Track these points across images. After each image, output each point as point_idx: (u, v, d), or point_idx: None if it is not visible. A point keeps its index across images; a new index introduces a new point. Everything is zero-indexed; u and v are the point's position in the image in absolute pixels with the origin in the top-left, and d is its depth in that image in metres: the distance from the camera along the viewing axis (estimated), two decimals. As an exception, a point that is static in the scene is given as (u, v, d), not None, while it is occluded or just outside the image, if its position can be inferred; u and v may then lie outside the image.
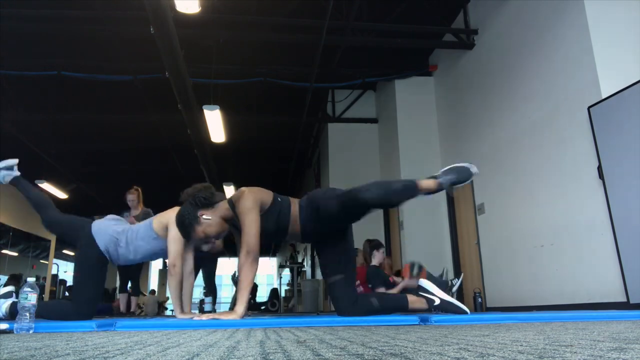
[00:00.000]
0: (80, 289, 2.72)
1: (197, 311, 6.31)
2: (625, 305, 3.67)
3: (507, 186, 5.61)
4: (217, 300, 6.33)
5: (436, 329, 1.63)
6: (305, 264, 11.38)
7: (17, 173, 3.03)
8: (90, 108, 8.82)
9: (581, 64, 4.36)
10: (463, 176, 2.42)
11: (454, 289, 3.79)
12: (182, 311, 2.93)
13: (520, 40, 5.42)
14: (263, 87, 7.99)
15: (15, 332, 1.76)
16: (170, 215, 2.76)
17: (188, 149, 8.71)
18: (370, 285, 4.25)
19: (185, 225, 2.45)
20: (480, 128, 6.28)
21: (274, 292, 12.25)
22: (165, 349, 1.03)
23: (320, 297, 9.60)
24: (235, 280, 7.28)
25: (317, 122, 10.17)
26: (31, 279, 1.97)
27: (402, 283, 4.26)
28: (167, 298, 11.39)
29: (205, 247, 2.68)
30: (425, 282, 2.59)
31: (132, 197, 5.41)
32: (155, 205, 5.32)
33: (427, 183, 2.40)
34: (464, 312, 2.46)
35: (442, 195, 7.31)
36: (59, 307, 2.82)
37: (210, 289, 5.95)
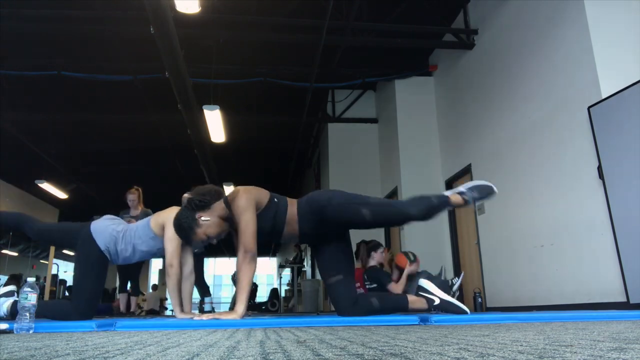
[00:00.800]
0: (80, 289, 2.72)
1: (197, 311, 6.32)
2: (625, 305, 3.67)
3: (507, 186, 5.61)
4: (217, 301, 6.34)
5: (436, 329, 1.63)
6: (305, 264, 11.38)
7: None
8: (90, 108, 8.82)
9: (581, 64, 4.36)
10: (485, 194, 2.54)
11: (455, 287, 3.80)
12: (182, 311, 2.93)
13: (520, 40, 5.42)
14: (263, 87, 7.99)
15: (15, 332, 1.76)
16: (167, 215, 2.75)
17: (188, 149, 8.71)
18: (375, 285, 4.24)
19: (185, 229, 2.46)
20: (480, 128, 6.28)
21: (274, 292, 12.25)
22: (165, 349, 1.03)
23: (320, 297, 9.59)
24: (235, 280, 7.29)
25: (317, 122, 10.17)
26: (31, 279, 1.97)
27: (406, 271, 4.26)
28: (167, 298, 11.43)
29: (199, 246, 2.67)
30: (425, 282, 2.59)
31: (132, 197, 5.41)
32: (155, 206, 5.31)
33: (456, 198, 2.50)
34: (464, 312, 2.46)
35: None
36: (59, 306, 2.82)
37: (202, 289, 5.95)
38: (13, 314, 2.61)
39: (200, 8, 5.21)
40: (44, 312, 2.62)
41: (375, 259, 4.47)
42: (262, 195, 2.45)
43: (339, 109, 9.28)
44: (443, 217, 7.23)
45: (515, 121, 5.45)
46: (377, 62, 7.87)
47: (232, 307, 3.19)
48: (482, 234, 6.15)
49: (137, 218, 4.96)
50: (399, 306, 2.53)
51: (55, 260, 14.04)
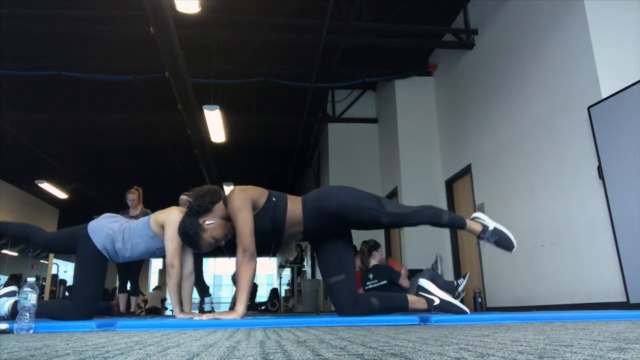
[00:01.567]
0: (80, 288, 2.72)
1: (197, 311, 6.32)
2: (625, 305, 3.67)
3: (507, 186, 5.61)
4: (217, 301, 6.35)
5: (436, 329, 1.63)
6: (305, 264, 11.38)
7: None
8: (90, 108, 8.82)
9: (581, 64, 4.36)
10: (502, 245, 2.55)
11: (460, 288, 3.82)
12: (182, 311, 2.92)
13: (520, 40, 5.42)
14: (263, 87, 7.99)
15: (15, 332, 1.76)
16: (167, 215, 2.75)
17: (188, 149, 8.71)
18: (385, 282, 4.26)
19: (191, 235, 2.44)
20: (480, 128, 6.29)
21: (274, 292, 12.25)
22: (165, 349, 1.03)
23: (320, 297, 9.59)
24: (235, 280, 7.30)
25: (317, 122, 10.17)
26: (31, 279, 1.97)
27: (404, 272, 4.32)
28: (166, 298, 11.45)
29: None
30: (425, 282, 2.59)
31: (132, 197, 5.42)
32: (155, 206, 5.31)
33: (474, 227, 2.55)
34: (464, 312, 2.46)
35: (443, 195, 7.33)
36: (59, 306, 2.82)
37: (202, 289, 5.95)
38: (14, 314, 2.61)
39: (200, 8, 5.21)
40: (44, 312, 2.62)
41: (377, 258, 4.50)
42: (259, 194, 2.42)
43: (339, 109, 9.28)
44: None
45: (515, 121, 5.45)
46: (377, 62, 7.88)
47: (232, 307, 3.19)
48: (482, 234, 6.13)
49: (136, 218, 4.96)
50: (399, 306, 2.52)
51: (55, 260, 14.05)
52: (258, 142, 10.76)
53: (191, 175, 10.49)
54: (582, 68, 4.35)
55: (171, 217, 2.70)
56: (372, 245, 4.56)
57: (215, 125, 7.71)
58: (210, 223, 2.44)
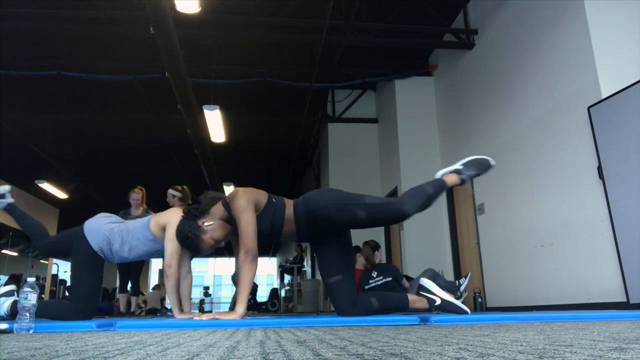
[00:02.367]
0: (78, 289, 2.71)
1: (197, 311, 6.31)
2: (625, 305, 3.67)
3: (507, 186, 5.61)
4: (217, 301, 6.34)
5: (436, 329, 1.63)
6: (305, 264, 11.38)
7: (9, 200, 3.04)
8: (90, 108, 8.82)
9: (581, 64, 4.36)
10: (482, 169, 2.56)
11: (462, 288, 3.82)
12: (182, 311, 2.92)
13: (520, 40, 5.42)
14: (263, 87, 7.99)
15: (15, 332, 1.76)
16: (168, 217, 2.74)
17: (188, 149, 8.71)
18: (390, 279, 4.27)
19: (190, 238, 2.42)
20: (480, 128, 6.29)
21: (274, 292, 12.25)
22: (165, 349, 1.03)
23: (320, 297, 9.60)
24: (235, 280, 7.31)
25: (317, 122, 10.17)
26: (31, 279, 1.97)
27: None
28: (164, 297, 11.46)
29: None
30: (426, 282, 2.59)
31: (136, 197, 5.38)
32: (155, 205, 5.33)
33: (452, 179, 2.50)
34: (465, 312, 2.46)
35: (442, 195, 7.32)
36: (59, 306, 2.82)
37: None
38: (13, 313, 2.61)
39: (200, 8, 5.21)
40: (43, 312, 2.62)
41: (377, 258, 4.53)
42: (261, 196, 2.45)
43: (339, 109, 9.28)
44: (443, 217, 7.23)
45: (515, 121, 5.45)
46: (377, 62, 7.88)
47: (232, 307, 3.19)
48: (482, 234, 6.15)
49: (138, 218, 4.95)
50: (399, 306, 2.52)
51: (55, 260, 14.07)
52: (258, 142, 10.75)
53: (191, 175, 10.49)
54: (582, 68, 4.35)
55: (172, 218, 2.69)
56: (373, 246, 4.58)
57: (215, 125, 7.71)
58: (210, 224, 2.44)
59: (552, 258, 4.73)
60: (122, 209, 5.49)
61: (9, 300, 2.71)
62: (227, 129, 8.11)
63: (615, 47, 4.19)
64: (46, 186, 11.08)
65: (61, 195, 11.86)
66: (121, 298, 6.00)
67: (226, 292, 30.04)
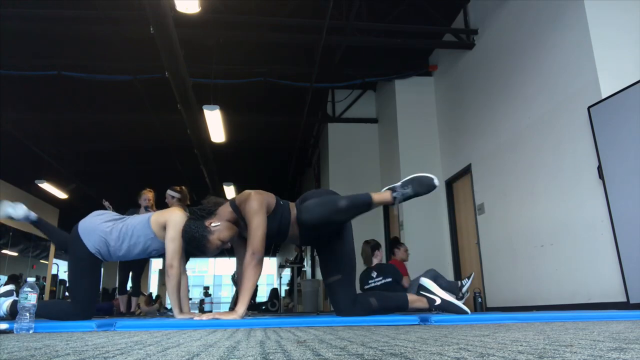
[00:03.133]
0: (76, 289, 2.70)
1: (196, 311, 6.31)
2: (625, 305, 3.67)
3: (507, 186, 5.61)
4: (217, 301, 6.33)
5: (436, 329, 1.63)
6: (305, 264, 11.38)
7: (34, 215, 3.23)
8: (90, 108, 8.82)
9: (581, 64, 4.36)
10: (423, 189, 2.37)
11: (465, 288, 3.82)
12: (181, 311, 2.92)
13: (520, 40, 5.42)
14: (263, 87, 7.99)
15: (15, 332, 1.76)
16: (168, 215, 2.72)
17: (188, 149, 8.70)
18: (390, 280, 4.27)
19: (197, 238, 2.42)
20: (480, 128, 6.29)
21: (274, 292, 12.25)
22: (165, 349, 1.03)
23: (320, 297, 9.60)
24: (235, 280, 7.32)
25: (317, 122, 10.16)
26: (31, 279, 1.97)
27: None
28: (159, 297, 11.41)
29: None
30: (426, 282, 2.59)
31: (149, 197, 5.29)
32: (155, 206, 5.32)
33: (382, 197, 2.37)
34: (465, 312, 2.46)
35: (443, 195, 7.33)
36: (59, 306, 2.82)
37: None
38: (13, 313, 2.61)
39: (200, 8, 5.21)
40: (43, 312, 2.62)
41: (378, 258, 4.53)
42: (271, 198, 2.47)
43: (339, 109, 9.28)
44: (443, 217, 7.23)
45: (516, 121, 5.45)
46: (377, 62, 7.87)
47: (233, 307, 3.19)
48: (482, 234, 6.15)
49: None
50: (398, 306, 2.53)
51: (55, 260, 14.07)
52: (258, 142, 10.74)
53: (191, 176, 10.48)
54: (582, 68, 4.35)
55: (173, 217, 2.67)
56: (374, 245, 4.58)
57: (215, 125, 7.71)
58: (217, 225, 2.43)
59: (552, 258, 4.73)
60: (125, 209, 5.44)
61: (9, 300, 2.70)
62: (227, 129, 8.11)
63: (615, 47, 4.19)
64: (46, 186, 11.08)
65: (61, 195, 11.86)
66: (121, 299, 5.97)
67: (226, 292, 30.04)
